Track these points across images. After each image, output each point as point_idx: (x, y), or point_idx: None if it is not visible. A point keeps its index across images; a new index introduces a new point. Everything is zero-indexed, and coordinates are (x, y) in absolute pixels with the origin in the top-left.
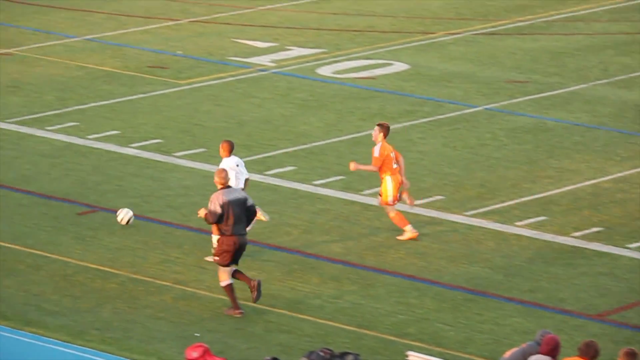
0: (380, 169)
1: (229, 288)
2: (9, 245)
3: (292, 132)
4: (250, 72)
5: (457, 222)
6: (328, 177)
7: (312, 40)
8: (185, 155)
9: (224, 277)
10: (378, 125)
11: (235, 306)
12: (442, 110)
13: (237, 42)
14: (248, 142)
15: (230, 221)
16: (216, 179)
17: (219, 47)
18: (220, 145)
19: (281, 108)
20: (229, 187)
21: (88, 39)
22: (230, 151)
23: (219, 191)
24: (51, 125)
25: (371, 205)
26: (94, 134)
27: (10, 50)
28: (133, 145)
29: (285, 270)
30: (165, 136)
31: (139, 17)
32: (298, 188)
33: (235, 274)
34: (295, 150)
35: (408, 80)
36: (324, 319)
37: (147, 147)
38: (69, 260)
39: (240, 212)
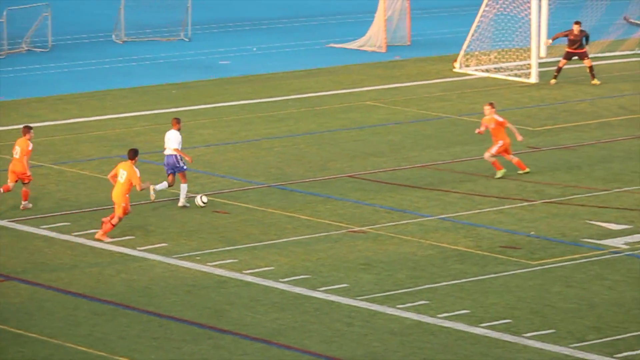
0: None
1: None
2: None
3: None
4: (603, 254)
5: None
6: None
7: None
8: (534, 336)
9: None
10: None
11: None
12: None
13: (591, 223)
14: (598, 325)
15: None
16: None
17: (573, 228)
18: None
19: (634, 291)
20: None
21: (441, 218)
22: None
23: None
24: (402, 304)
25: None
26: (445, 312)
27: (364, 229)
28: (482, 325)
29: None
30: (515, 316)
31: (493, 197)
32: None
33: None
34: None
35: None
36: None
37: (496, 327)
38: None
39: None
